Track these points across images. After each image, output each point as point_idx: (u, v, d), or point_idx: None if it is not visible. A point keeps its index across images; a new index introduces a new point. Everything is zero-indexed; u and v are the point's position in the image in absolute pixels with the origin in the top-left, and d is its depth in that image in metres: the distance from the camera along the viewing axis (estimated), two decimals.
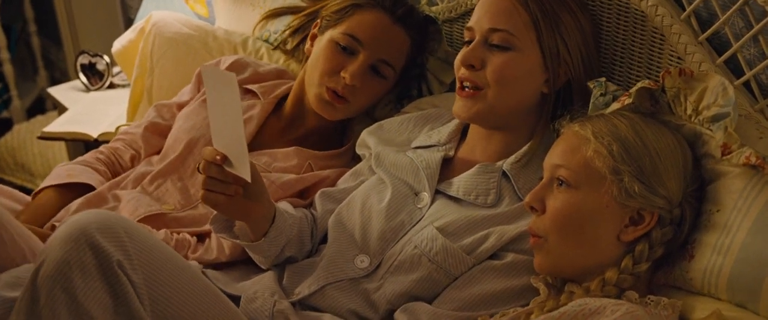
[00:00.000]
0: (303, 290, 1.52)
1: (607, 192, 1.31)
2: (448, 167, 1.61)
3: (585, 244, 1.34)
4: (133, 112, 2.22)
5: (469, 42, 1.56)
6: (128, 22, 3.28)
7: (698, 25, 1.49)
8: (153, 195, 1.79)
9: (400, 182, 1.60)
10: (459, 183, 1.55)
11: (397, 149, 1.67)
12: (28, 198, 1.84)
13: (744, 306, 1.29)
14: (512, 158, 1.55)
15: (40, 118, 3.42)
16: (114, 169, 1.93)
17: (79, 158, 1.92)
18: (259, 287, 1.53)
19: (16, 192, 1.85)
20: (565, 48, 1.52)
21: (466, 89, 1.54)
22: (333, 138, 1.93)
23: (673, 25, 1.50)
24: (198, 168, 1.43)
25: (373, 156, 1.68)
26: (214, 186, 1.41)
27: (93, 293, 1.21)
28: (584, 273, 1.35)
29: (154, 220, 1.73)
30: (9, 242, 1.43)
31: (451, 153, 1.63)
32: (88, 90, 2.64)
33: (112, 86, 2.65)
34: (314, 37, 1.87)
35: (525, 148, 1.55)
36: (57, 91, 2.70)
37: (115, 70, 2.65)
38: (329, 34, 1.80)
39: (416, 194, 1.58)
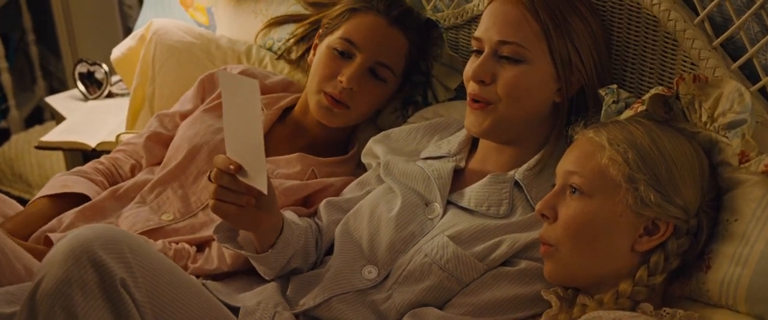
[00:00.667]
0: (308, 301, 1.49)
1: (622, 201, 1.29)
2: (458, 178, 1.59)
3: (598, 254, 1.31)
4: (132, 121, 2.20)
5: (477, 52, 1.53)
6: (127, 31, 3.28)
7: (712, 30, 1.47)
8: (152, 204, 1.77)
9: (410, 191, 1.58)
10: (471, 194, 1.53)
11: (407, 158, 1.65)
12: (21, 206, 1.82)
13: (763, 317, 1.27)
14: (524, 166, 1.53)
15: (38, 128, 3.40)
16: (113, 180, 1.90)
17: (78, 168, 1.90)
18: (262, 298, 1.50)
19: (7, 198, 1.83)
20: (577, 55, 1.50)
21: (477, 102, 1.52)
22: (339, 147, 1.92)
23: (686, 30, 1.48)
24: (209, 176, 1.40)
25: (381, 164, 1.66)
26: (226, 196, 1.38)
27: (94, 312, 1.19)
28: (596, 284, 1.33)
29: (151, 232, 1.70)
30: (5, 264, 1.42)
31: (462, 163, 1.61)
32: (86, 99, 2.63)
33: (110, 95, 2.64)
34: (316, 47, 1.87)
35: (538, 155, 1.53)
36: (55, 100, 2.68)
37: (114, 78, 2.64)
38: (327, 40, 1.81)
39: (427, 204, 1.55)
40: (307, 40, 2.04)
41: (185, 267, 1.63)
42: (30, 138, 3.21)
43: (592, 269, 1.32)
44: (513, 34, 1.48)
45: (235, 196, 1.37)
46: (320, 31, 1.87)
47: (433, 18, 1.89)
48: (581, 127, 1.39)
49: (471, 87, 1.53)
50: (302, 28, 2.06)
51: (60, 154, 2.71)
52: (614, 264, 1.31)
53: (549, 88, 1.51)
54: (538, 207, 1.36)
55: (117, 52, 2.30)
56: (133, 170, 1.92)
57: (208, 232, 1.67)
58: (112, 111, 2.50)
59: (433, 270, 1.45)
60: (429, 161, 1.62)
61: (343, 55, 1.77)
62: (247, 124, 1.33)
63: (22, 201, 1.97)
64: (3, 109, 3.64)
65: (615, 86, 1.44)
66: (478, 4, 1.83)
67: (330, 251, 1.60)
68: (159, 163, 1.89)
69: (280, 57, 2.12)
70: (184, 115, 1.96)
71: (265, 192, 1.34)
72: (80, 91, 2.63)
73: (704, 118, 1.36)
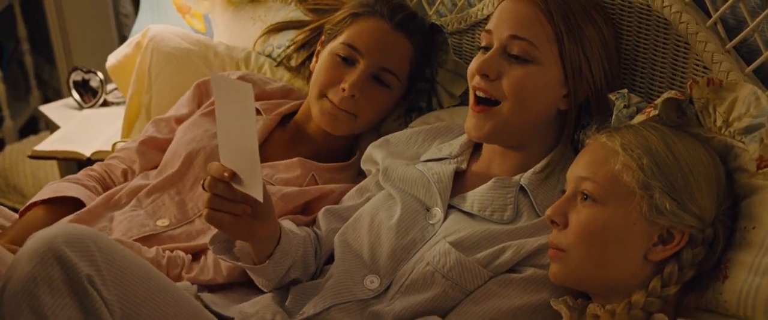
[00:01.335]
0: (308, 310, 1.45)
1: (636, 208, 1.25)
2: (460, 181, 1.55)
3: (609, 263, 1.28)
4: (128, 129, 2.18)
5: (486, 48, 1.49)
6: (122, 39, 3.28)
7: (725, 33, 1.44)
8: (148, 209, 1.74)
9: (410, 197, 1.54)
10: (473, 198, 1.49)
11: (406, 163, 1.61)
12: (16, 216, 1.79)
13: None
14: (531, 171, 1.49)
15: (32, 138, 3.40)
16: (105, 185, 1.88)
17: (70, 176, 1.87)
18: (259, 307, 1.46)
19: (4, 208, 1.81)
20: (587, 64, 1.46)
21: (481, 102, 1.48)
22: (340, 156, 1.89)
23: (698, 33, 1.45)
24: (203, 185, 1.36)
25: (380, 170, 1.62)
26: (220, 205, 1.33)
27: (62, 310, 1.17)
28: (607, 292, 1.30)
29: (147, 239, 1.67)
30: None
31: (464, 165, 1.57)
32: (81, 107, 2.63)
33: (105, 104, 2.64)
34: (319, 54, 1.85)
35: (545, 160, 1.49)
36: (49, 109, 2.68)
37: (109, 86, 2.62)
38: (330, 46, 1.78)
39: (427, 210, 1.51)
40: (307, 47, 2.02)
41: (179, 276, 1.60)
42: (24, 148, 3.20)
43: (602, 277, 1.29)
44: (525, 30, 1.45)
45: (229, 205, 1.33)
46: (323, 37, 1.85)
47: (437, 23, 1.86)
48: (593, 131, 1.36)
49: (475, 81, 1.49)
50: (303, 34, 2.03)
51: (54, 164, 2.70)
52: (626, 273, 1.27)
53: (555, 92, 1.47)
54: (548, 213, 1.32)
55: (112, 59, 2.28)
56: (126, 175, 1.89)
57: (204, 240, 1.63)
58: (107, 119, 2.48)
59: (436, 279, 1.41)
60: (429, 164, 1.58)
61: (346, 61, 1.74)
62: (241, 129, 1.29)
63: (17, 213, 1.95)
64: None
65: (625, 90, 1.41)
66: (482, 9, 1.81)
67: (329, 260, 1.57)
68: (154, 168, 1.87)
69: (279, 64, 2.10)
70: (179, 120, 1.93)
71: (261, 199, 1.30)
72: (75, 100, 2.62)
73: (719, 123, 1.33)
